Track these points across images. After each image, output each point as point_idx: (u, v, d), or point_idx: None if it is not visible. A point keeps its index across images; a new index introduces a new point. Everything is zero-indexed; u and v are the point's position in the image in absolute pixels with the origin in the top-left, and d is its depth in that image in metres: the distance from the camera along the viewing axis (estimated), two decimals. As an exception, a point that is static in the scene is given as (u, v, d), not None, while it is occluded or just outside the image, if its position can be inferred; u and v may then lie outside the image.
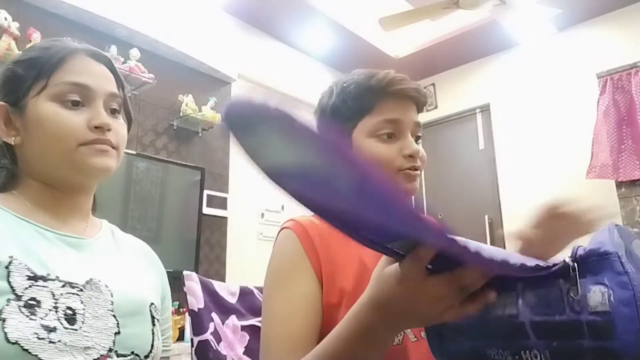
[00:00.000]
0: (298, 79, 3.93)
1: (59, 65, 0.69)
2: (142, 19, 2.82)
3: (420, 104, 0.90)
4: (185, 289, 0.98)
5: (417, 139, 0.89)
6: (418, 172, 0.86)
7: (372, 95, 0.85)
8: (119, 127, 0.73)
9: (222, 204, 3.16)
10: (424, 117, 3.89)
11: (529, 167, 3.73)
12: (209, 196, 3.06)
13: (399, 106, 0.86)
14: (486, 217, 3.87)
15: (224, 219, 3.17)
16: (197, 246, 2.84)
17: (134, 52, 2.74)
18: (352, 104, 0.86)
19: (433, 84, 4.41)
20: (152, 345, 0.69)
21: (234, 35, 3.48)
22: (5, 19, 2.26)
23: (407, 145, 0.84)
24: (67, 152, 0.67)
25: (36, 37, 2.33)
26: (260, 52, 3.66)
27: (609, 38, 3.49)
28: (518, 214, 3.71)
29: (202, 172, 2.99)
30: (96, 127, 0.69)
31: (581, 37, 3.63)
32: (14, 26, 2.28)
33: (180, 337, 2.40)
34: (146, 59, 2.81)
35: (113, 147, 0.71)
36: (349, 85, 0.88)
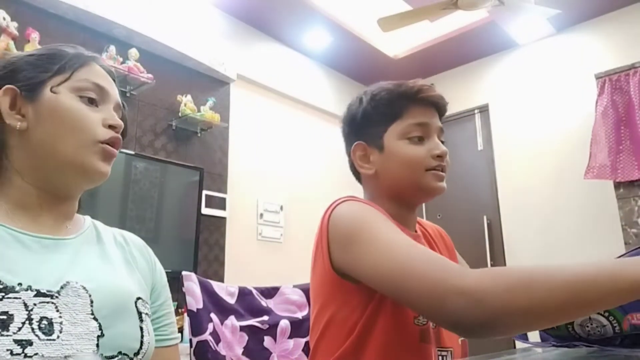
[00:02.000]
0: (297, 80, 3.93)
1: (84, 65, 0.72)
2: (141, 19, 2.82)
3: (442, 112, 0.98)
4: (184, 289, 0.98)
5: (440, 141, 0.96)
6: (443, 173, 0.93)
7: (403, 101, 0.94)
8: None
9: (220, 204, 3.16)
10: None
11: (527, 167, 3.74)
12: (207, 196, 3.06)
13: (426, 112, 0.94)
14: (485, 217, 3.87)
15: (223, 219, 3.17)
16: (196, 246, 2.84)
17: (133, 52, 2.74)
18: (384, 110, 0.94)
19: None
20: (142, 342, 0.67)
21: (233, 35, 3.48)
22: (4, 18, 2.26)
23: (435, 147, 0.92)
24: (82, 146, 0.67)
25: (35, 37, 2.32)
26: (259, 53, 3.66)
27: (608, 39, 3.50)
28: (517, 214, 3.72)
29: (201, 172, 2.99)
30: (110, 127, 0.70)
31: (579, 38, 3.63)
32: (13, 26, 2.28)
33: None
34: (145, 59, 2.81)
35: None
36: (380, 92, 0.95)
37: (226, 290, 1.07)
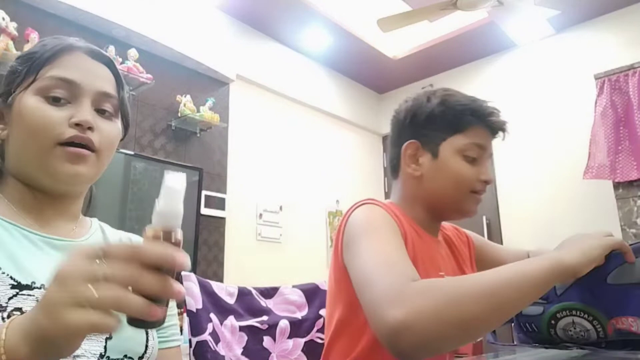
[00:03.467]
0: (296, 80, 3.93)
1: (50, 60, 0.67)
2: (140, 20, 2.82)
3: (495, 138, 0.98)
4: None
5: None
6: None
7: (472, 118, 0.93)
8: (106, 129, 0.69)
9: (220, 204, 3.15)
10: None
11: (526, 167, 3.74)
12: (207, 197, 3.06)
13: (487, 135, 0.95)
14: (484, 217, 3.87)
15: (222, 219, 3.17)
16: (195, 247, 2.84)
17: (132, 53, 2.73)
18: (451, 119, 0.93)
19: (431, 85, 4.41)
20: (146, 346, 0.67)
21: (232, 36, 3.48)
22: (3, 19, 2.26)
23: (485, 172, 0.93)
24: (42, 150, 0.64)
25: (34, 37, 2.32)
26: (259, 53, 3.66)
27: (607, 39, 3.50)
28: (516, 214, 3.72)
29: (200, 172, 2.99)
30: (77, 125, 0.65)
31: (579, 39, 3.64)
32: (12, 26, 2.28)
33: (178, 338, 2.39)
34: (144, 59, 2.81)
35: (92, 150, 0.66)
36: (451, 99, 0.94)
37: (225, 291, 1.07)
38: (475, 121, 0.93)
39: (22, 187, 0.68)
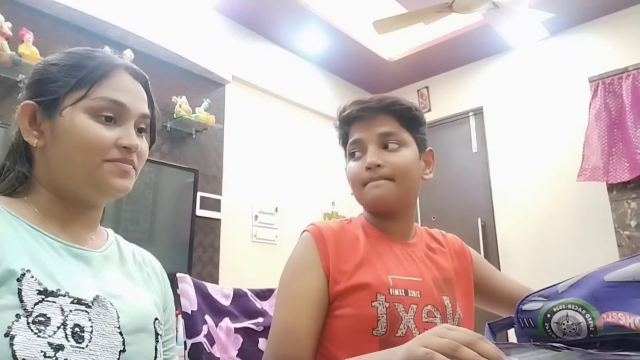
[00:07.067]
0: (292, 82, 3.93)
1: (101, 79, 0.69)
2: (135, 20, 2.81)
3: (398, 112, 1.00)
4: (178, 291, 0.98)
5: (386, 146, 0.98)
6: (382, 180, 0.95)
7: (342, 125, 1.04)
8: (143, 148, 0.74)
9: (215, 205, 3.15)
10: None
11: (521, 169, 3.76)
12: (202, 198, 3.05)
13: (359, 127, 0.99)
14: (479, 219, 3.89)
15: (218, 220, 3.16)
16: (190, 248, 2.83)
17: (128, 53, 2.71)
18: (340, 133, 1.07)
19: (427, 87, 4.43)
20: None
21: (228, 37, 3.47)
22: (-2, 19, 2.25)
23: (366, 159, 0.96)
24: (90, 166, 0.67)
25: (29, 37, 2.31)
26: (255, 54, 3.66)
27: (601, 42, 3.53)
28: (511, 216, 3.73)
29: (196, 173, 2.98)
30: (124, 147, 0.69)
31: (573, 42, 3.66)
32: (7, 26, 2.27)
33: (173, 340, 2.38)
34: (140, 60, 2.79)
35: (134, 168, 0.72)
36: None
37: (221, 292, 1.07)
38: (344, 125, 1.03)
39: (51, 196, 0.69)
